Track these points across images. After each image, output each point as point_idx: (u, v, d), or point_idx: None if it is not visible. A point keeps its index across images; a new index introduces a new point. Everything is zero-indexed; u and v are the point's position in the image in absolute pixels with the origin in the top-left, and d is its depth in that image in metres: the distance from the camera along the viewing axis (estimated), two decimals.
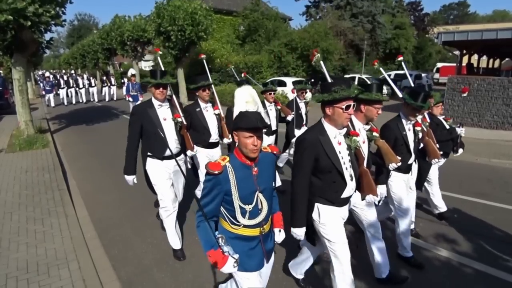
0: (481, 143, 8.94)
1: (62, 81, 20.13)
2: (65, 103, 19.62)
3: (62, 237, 3.97)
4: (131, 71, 12.20)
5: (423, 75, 26.45)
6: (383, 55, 31.77)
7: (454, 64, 18.35)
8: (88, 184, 6.21)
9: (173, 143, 3.56)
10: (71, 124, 12.81)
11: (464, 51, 12.29)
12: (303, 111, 5.59)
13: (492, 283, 3.19)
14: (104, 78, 22.04)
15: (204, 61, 4.59)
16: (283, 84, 17.28)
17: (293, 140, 4.50)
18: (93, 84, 21.57)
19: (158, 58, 4.39)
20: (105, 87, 21.49)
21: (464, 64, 13.61)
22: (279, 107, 5.41)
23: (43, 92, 18.56)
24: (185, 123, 3.70)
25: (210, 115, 4.26)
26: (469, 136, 9.63)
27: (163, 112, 3.53)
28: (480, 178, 6.22)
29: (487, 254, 3.67)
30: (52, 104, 18.60)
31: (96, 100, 21.13)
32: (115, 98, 21.66)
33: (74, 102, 20.29)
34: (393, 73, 26.51)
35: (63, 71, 52.18)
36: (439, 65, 34.81)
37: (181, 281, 3.26)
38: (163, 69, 3.65)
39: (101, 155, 8.25)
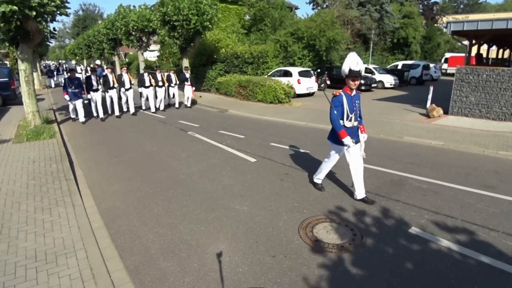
0: (489, 134, 8.83)
1: (94, 79, 11.36)
2: (102, 116, 11.73)
3: (69, 227, 4.03)
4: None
5: (431, 65, 26.09)
6: (390, 44, 31.36)
7: (463, 54, 18.02)
8: (95, 174, 6.26)
9: None
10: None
11: (474, 41, 12.00)
12: None
13: (497, 276, 3.18)
14: (159, 74, 13.33)
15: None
16: (289, 74, 17.09)
17: None
18: (147, 84, 12.96)
19: None
20: (161, 87, 13.35)
21: (473, 54, 13.34)
22: None
23: (67, 97, 10.87)
24: None
25: None
26: (477, 128, 9.55)
27: None
28: (487, 170, 6.16)
29: (493, 246, 3.65)
30: (82, 119, 11.24)
31: (153, 109, 13.32)
32: (177, 105, 14.23)
33: (118, 113, 12.21)
34: (400, 63, 26.22)
35: (97, 61, 34.74)
36: (448, 55, 34.33)
37: (187, 270, 3.30)
38: None
39: (107, 145, 8.31)
